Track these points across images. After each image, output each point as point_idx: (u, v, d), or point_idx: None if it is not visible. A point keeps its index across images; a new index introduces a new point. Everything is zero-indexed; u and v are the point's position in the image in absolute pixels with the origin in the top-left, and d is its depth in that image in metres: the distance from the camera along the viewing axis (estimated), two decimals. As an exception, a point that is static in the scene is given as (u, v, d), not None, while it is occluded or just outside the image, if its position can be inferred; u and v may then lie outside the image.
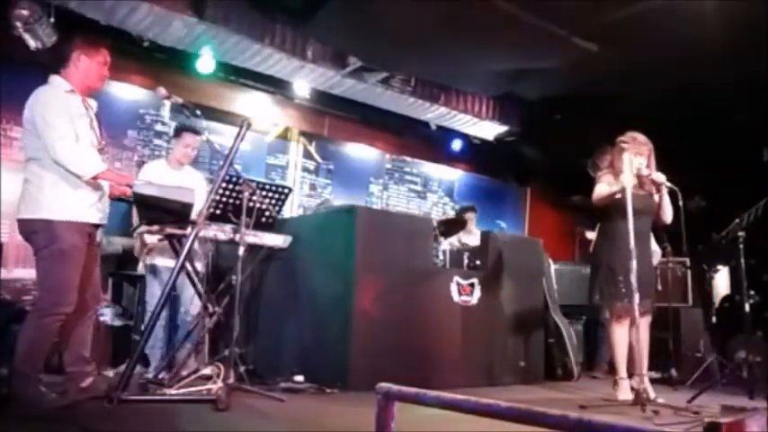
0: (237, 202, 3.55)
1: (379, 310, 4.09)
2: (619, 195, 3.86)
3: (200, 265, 4.15)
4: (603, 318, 5.66)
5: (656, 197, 4.08)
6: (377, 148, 7.36)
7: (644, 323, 4.05)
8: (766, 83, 5.06)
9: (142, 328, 4.04)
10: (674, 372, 5.17)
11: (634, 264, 3.62)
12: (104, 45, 3.23)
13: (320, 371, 3.94)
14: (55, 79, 3.10)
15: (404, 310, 4.23)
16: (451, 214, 7.33)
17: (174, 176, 4.29)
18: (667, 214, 4.07)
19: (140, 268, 4.35)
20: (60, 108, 2.98)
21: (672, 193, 4.03)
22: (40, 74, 3.17)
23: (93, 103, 3.22)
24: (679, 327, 5.77)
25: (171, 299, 4.07)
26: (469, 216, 6.43)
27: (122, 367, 3.35)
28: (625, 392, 3.99)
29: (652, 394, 3.91)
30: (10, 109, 4.53)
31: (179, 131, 4.47)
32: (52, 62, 3.24)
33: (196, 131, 4.28)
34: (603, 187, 4.05)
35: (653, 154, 4.09)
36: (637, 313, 3.63)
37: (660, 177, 4.01)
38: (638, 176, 4.06)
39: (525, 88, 6.60)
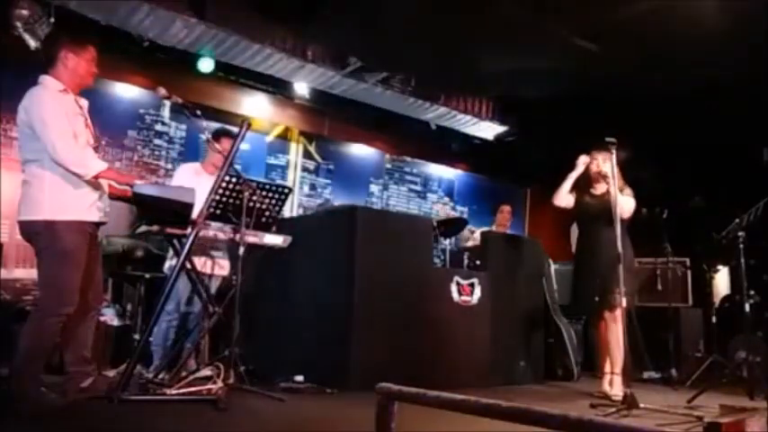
0: (237, 202, 3.55)
1: (379, 310, 4.09)
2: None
3: (226, 262, 4.14)
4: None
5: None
6: (377, 148, 7.36)
7: (612, 320, 4.12)
8: (766, 83, 5.07)
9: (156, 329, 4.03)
10: (674, 372, 5.18)
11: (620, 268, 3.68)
12: (91, 42, 3.18)
13: (320, 371, 3.94)
14: (46, 79, 3.06)
15: (404, 310, 4.23)
16: (450, 213, 7.34)
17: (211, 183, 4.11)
18: (622, 209, 3.91)
19: (166, 268, 4.28)
20: (56, 108, 2.96)
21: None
22: (40, 74, 3.16)
23: (83, 102, 3.20)
24: (679, 327, 5.77)
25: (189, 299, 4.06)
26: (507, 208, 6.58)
27: (123, 367, 3.34)
28: (610, 386, 4.17)
29: (616, 391, 4.00)
30: (10, 109, 4.53)
31: (218, 136, 4.07)
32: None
33: (234, 135, 3.83)
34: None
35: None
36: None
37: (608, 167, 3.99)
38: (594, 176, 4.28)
39: (525, 88, 6.60)
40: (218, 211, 3.59)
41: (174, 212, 3.24)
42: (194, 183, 3.77)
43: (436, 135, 7.39)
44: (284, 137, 6.63)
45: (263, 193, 3.73)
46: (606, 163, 4.02)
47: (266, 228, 3.79)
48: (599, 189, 4.35)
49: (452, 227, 5.70)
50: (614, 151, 3.79)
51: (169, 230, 3.42)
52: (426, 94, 6.48)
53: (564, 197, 4.38)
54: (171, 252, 4.18)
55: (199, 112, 3.53)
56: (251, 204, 3.53)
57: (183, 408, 3.01)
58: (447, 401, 1.48)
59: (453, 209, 7.85)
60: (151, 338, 3.97)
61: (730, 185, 6.75)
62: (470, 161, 8.09)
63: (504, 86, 6.56)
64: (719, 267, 6.16)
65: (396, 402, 1.56)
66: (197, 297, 3.81)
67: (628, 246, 4.13)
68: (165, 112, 5.78)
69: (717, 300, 6.39)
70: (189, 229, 3.33)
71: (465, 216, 7.50)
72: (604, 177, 4.04)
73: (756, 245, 4.87)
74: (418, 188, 7.71)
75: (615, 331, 4.08)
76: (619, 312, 3.95)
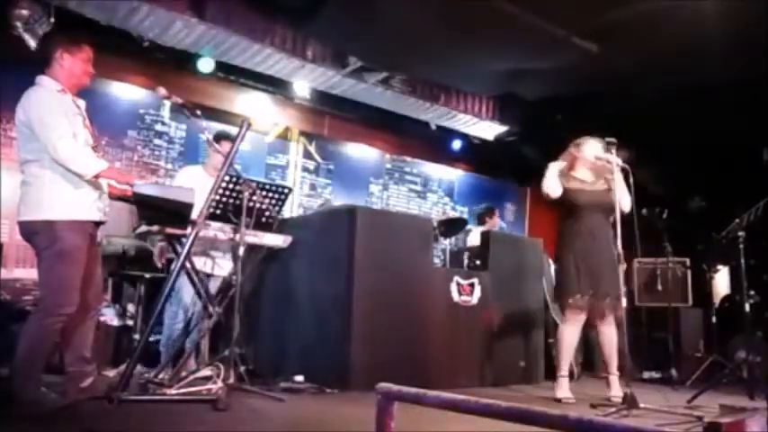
0: (237, 202, 3.55)
1: (379, 310, 4.09)
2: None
3: (227, 263, 4.12)
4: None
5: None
6: (377, 148, 7.37)
7: (607, 323, 4.07)
8: (766, 83, 5.06)
9: (164, 329, 4.05)
10: (674, 372, 5.18)
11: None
12: (87, 41, 3.18)
13: (320, 371, 3.94)
14: (43, 79, 3.05)
15: (404, 310, 4.23)
16: (451, 214, 7.34)
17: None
18: (623, 201, 3.82)
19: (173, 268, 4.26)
20: (55, 108, 2.96)
21: (625, 176, 3.87)
22: (40, 74, 3.16)
23: (81, 102, 3.19)
24: (679, 327, 5.78)
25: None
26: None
27: (123, 367, 3.34)
28: (563, 390, 4.07)
29: (615, 392, 3.97)
30: (10, 109, 4.52)
31: (219, 139, 4.08)
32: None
33: (233, 138, 3.81)
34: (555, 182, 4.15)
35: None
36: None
37: (614, 158, 3.82)
38: (595, 165, 4.13)
39: (525, 88, 6.60)
40: (218, 211, 3.60)
41: (173, 212, 3.24)
42: (196, 185, 3.77)
43: (436, 135, 7.40)
44: (284, 137, 6.63)
45: (263, 193, 3.74)
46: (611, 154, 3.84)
47: (266, 228, 3.79)
48: (590, 177, 4.18)
49: (452, 227, 5.70)
50: (614, 151, 3.78)
51: (169, 230, 3.42)
52: (426, 94, 6.48)
53: (553, 185, 4.18)
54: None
55: (199, 112, 3.53)
56: (251, 204, 3.53)
57: (183, 408, 3.01)
58: (447, 401, 1.48)
59: (453, 209, 7.85)
60: (157, 337, 3.98)
61: (730, 185, 6.76)
62: (470, 161, 8.09)
63: (503, 86, 6.56)
64: (719, 267, 6.17)
65: (396, 402, 1.56)
66: (197, 297, 3.81)
67: (609, 239, 3.98)
68: (165, 112, 5.78)
69: (717, 300, 6.38)
70: (189, 229, 3.33)
71: (465, 216, 7.50)
72: (608, 164, 3.84)
73: (756, 245, 4.88)
74: (418, 188, 7.71)
75: (608, 333, 4.07)
76: (611, 317, 3.97)
